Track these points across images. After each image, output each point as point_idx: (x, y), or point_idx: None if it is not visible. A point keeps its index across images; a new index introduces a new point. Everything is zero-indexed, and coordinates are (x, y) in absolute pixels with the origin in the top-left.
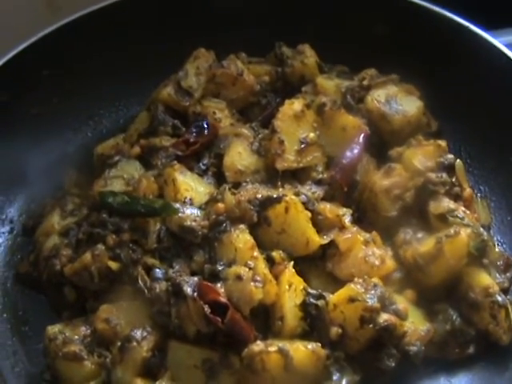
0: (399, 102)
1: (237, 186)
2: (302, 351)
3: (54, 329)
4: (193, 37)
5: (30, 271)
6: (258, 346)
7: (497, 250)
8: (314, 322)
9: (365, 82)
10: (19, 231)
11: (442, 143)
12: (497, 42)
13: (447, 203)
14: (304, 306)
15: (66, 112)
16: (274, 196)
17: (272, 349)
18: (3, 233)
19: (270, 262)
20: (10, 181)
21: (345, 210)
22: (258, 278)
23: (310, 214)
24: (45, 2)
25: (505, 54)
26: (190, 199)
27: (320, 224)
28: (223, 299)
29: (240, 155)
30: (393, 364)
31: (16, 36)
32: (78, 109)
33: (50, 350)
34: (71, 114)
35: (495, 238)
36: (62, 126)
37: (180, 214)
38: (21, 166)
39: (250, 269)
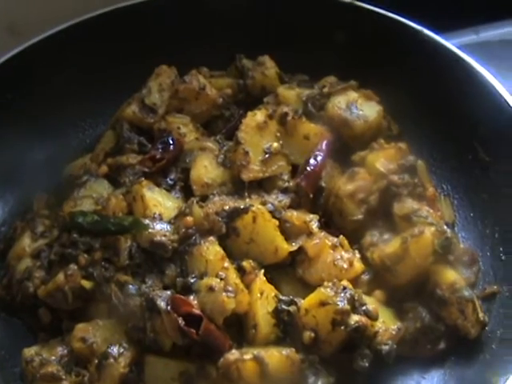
0: (359, 107)
1: (204, 198)
2: (277, 357)
3: (30, 351)
4: (154, 54)
5: (3, 295)
6: (233, 354)
7: (462, 246)
8: (286, 328)
9: (325, 90)
10: None
11: (403, 146)
12: (449, 44)
13: (411, 204)
14: (276, 313)
15: (32, 134)
16: (241, 207)
17: (247, 357)
18: None
19: (241, 271)
20: None
21: (312, 216)
22: (230, 289)
23: (277, 223)
24: (5, 26)
25: (458, 55)
26: (159, 214)
27: (288, 231)
28: (197, 311)
29: (206, 168)
30: (366, 364)
31: None
32: (44, 131)
33: (28, 372)
34: (37, 136)
35: (460, 235)
36: (28, 149)
37: (150, 230)
38: None
39: (221, 279)
